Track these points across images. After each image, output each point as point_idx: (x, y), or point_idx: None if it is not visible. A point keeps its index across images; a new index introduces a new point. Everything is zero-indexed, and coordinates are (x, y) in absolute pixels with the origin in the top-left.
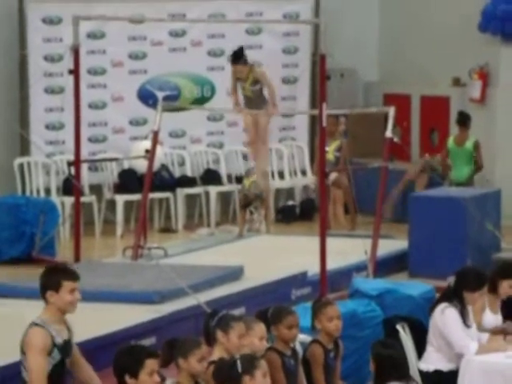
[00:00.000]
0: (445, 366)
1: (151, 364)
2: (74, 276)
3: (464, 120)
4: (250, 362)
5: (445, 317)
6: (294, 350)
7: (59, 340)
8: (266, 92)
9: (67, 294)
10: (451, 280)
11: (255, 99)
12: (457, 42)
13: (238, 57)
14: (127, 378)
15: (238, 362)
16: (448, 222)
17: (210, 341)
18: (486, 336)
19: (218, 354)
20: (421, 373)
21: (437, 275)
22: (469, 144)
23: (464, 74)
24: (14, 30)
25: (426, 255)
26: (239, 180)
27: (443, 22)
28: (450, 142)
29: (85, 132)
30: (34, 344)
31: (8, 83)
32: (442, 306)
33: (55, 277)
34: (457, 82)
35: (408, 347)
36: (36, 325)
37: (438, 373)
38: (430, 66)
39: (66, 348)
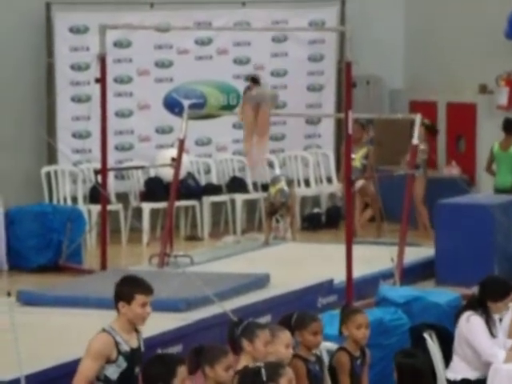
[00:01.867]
0: (472, 374)
1: (182, 372)
2: (147, 290)
3: (510, 126)
4: (275, 370)
5: (470, 325)
6: (318, 357)
7: (126, 348)
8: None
9: (138, 307)
10: (475, 289)
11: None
12: (483, 48)
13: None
14: None
15: (263, 370)
16: (475, 230)
17: (236, 350)
18: (510, 342)
19: (244, 362)
20: (448, 382)
21: (464, 283)
22: None
23: (491, 81)
24: (42, 39)
25: (452, 263)
26: (265, 188)
27: (470, 28)
28: (496, 147)
29: (111, 140)
30: (91, 348)
31: (35, 92)
32: (468, 314)
33: (129, 288)
34: (484, 89)
35: (435, 355)
36: (104, 331)
37: (465, 381)
38: (457, 73)
39: (133, 356)
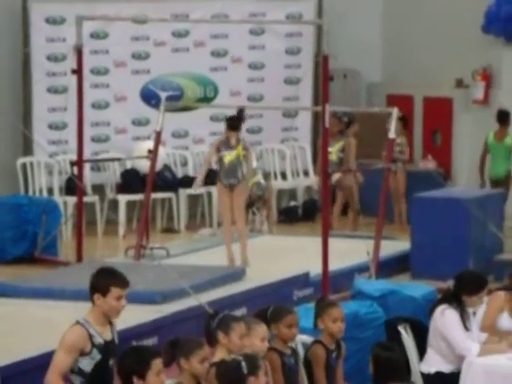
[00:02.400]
0: (446, 367)
1: (158, 364)
2: (123, 283)
3: (504, 117)
4: (254, 363)
5: (445, 318)
6: (293, 350)
7: (99, 340)
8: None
9: (113, 300)
10: (451, 283)
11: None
12: (460, 43)
13: (236, 125)
14: (135, 380)
15: (243, 364)
16: (450, 224)
17: (212, 342)
18: (484, 336)
19: (219, 355)
20: (422, 375)
21: (439, 277)
22: (508, 140)
23: (467, 76)
24: (18, 30)
25: (428, 256)
26: None
27: (446, 23)
28: (490, 137)
29: (87, 132)
30: (64, 341)
31: (11, 82)
32: (442, 307)
33: (105, 281)
34: (460, 84)
35: (410, 349)
36: (77, 323)
37: (439, 375)
38: (433, 68)
39: (107, 348)
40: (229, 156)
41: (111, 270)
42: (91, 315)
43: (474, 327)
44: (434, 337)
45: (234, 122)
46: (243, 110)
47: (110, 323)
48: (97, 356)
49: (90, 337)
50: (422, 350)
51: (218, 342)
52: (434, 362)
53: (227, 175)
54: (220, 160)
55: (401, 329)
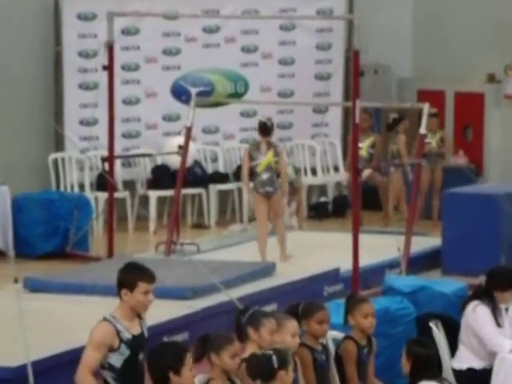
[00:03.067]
0: (478, 364)
1: (190, 359)
2: (150, 278)
3: None
4: (284, 357)
5: (476, 314)
6: (324, 346)
7: (127, 335)
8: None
9: (141, 295)
10: (482, 279)
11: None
12: (492, 37)
13: (267, 130)
14: (171, 375)
15: (274, 358)
16: (482, 220)
17: (242, 338)
18: None
19: (250, 350)
20: (454, 371)
21: (470, 273)
22: None
23: (499, 71)
24: (49, 27)
25: (459, 252)
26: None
27: (478, 17)
28: None
29: (118, 128)
30: (92, 337)
31: (43, 79)
32: (474, 303)
33: (132, 276)
34: (491, 79)
35: (441, 345)
36: (104, 320)
37: (471, 371)
38: (465, 62)
39: (135, 343)
40: (261, 165)
41: (138, 265)
42: (119, 311)
43: (507, 323)
44: (465, 333)
45: (265, 128)
46: (270, 120)
47: (140, 317)
48: (125, 351)
49: (118, 332)
50: (453, 347)
51: (249, 337)
52: (466, 359)
53: (263, 184)
54: (253, 170)
55: (432, 325)
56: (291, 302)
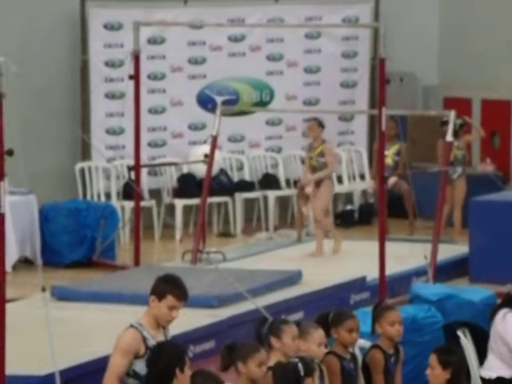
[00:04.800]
0: (507, 373)
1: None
2: (181, 295)
3: None
4: (310, 365)
5: (506, 323)
6: (353, 355)
7: (153, 343)
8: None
9: (166, 308)
10: (510, 287)
11: (318, 171)
12: None
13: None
14: (178, 372)
15: (300, 365)
16: (509, 227)
17: (264, 348)
18: None
19: (274, 359)
20: (483, 380)
21: (498, 281)
22: None
23: None
24: (76, 36)
25: (487, 260)
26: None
27: (505, 24)
28: None
29: (144, 137)
30: (119, 344)
31: (69, 88)
32: (504, 311)
33: (165, 286)
34: None
35: (469, 353)
36: (131, 326)
37: (500, 380)
38: (491, 70)
39: None
40: (310, 160)
41: (175, 279)
42: (145, 318)
43: None
44: (494, 341)
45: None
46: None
47: (163, 327)
48: None
49: (144, 339)
50: (480, 355)
51: (272, 347)
52: (495, 367)
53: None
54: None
55: (460, 333)
56: (318, 310)
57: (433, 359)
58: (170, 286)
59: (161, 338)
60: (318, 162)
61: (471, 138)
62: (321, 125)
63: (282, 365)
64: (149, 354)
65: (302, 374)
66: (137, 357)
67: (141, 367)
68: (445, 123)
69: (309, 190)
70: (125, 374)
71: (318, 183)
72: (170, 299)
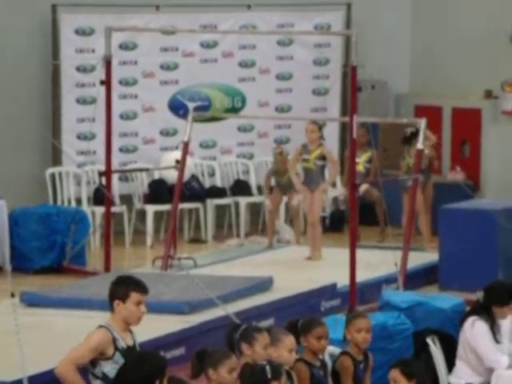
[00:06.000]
0: (475, 380)
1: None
2: (142, 289)
3: None
4: (278, 369)
5: (475, 330)
6: (323, 362)
7: (122, 344)
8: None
9: (133, 306)
10: (480, 294)
11: (316, 175)
12: (489, 54)
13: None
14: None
15: (267, 368)
16: (479, 235)
17: (235, 354)
18: None
19: None
20: None
21: (468, 288)
22: None
23: (496, 87)
24: (47, 41)
25: (456, 268)
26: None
27: (475, 34)
28: None
29: (116, 142)
30: (89, 340)
31: (40, 93)
32: (472, 319)
33: (124, 287)
34: (489, 95)
35: (438, 360)
36: (101, 326)
37: None
38: (462, 78)
39: (129, 353)
40: (305, 162)
41: (130, 277)
42: (112, 321)
43: (505, 339)
44: (463, 349)
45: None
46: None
47: (130, 331)
48: (120, 360)
49: (114, 340)
50: (449, 362)
51: (242, 353)
52: (464, 374)
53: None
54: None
55: (429, 340)
56: (289, 317)
57: (395, 373)
58: (128, 285)
59: (130, 340)
60: (315, 164)
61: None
62: (320, 128)
63: (249, 366)
64: (127, 359)
65: (269, 376)
66: (104, 358)
67: (110, 369)
68: (413, 134)
69: (295, 202)
70: (82, 366)
71: (313, 189)
72: (134, 296)
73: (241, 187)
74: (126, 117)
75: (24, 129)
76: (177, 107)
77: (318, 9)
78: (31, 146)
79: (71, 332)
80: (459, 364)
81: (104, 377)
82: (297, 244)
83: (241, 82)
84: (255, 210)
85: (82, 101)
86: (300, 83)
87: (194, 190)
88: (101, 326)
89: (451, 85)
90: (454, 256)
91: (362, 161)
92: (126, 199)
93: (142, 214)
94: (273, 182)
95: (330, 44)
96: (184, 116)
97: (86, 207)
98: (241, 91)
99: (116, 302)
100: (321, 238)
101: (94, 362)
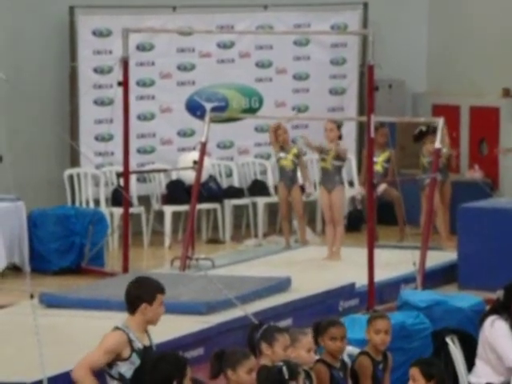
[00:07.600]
0: (496, 379)
1: (189, 371)
2: (163, 288)
3: None
4: (295, 369)
5: (495, 330)
6: (343, 362)
7: (139, 345)
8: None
9: (159, 307)
10: (500, 293)
11: (332, 174)
12: (507, 52)
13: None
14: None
15: (284, 368)
16: (498, 234)
17: (255, 353)
18: None
19: None
20: None
21: (487, 287)
22: None
23: None
24: (65, 43)
25: (475, 267)
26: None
27: (493, 32)
28: None
29: (133, 143)
30: (105, 342)
31: (58, 95)
32: (492, 318)
33: (150, 289)
34: (507, 93)
35: (458, 360)
36: (117, 328)
37: None
38: (480, 77)
39: (146, 354)
40: (323, 162)
41: (149, 279)
42: (133, 322)
43: None
44: (483, 348)
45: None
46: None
47: (146, 331)
48: (136, 361)
49: (130, 341)
50: (469, 362)
51: (262, 353)
52: (484, 374)
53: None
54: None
55: (448, 340)
56: (307, 317)
57: (415, 372)
58: (153, 287)
59: (146, 341)
60: (332, 165)
61: (432, 148)
62: (339, 127)
63: (266, 367)
64: (144, 359)
65: (286, 376)
66: (121, 359)
67: (126, 369)
68: (416, 138)
69: (297, 195)
70: (99, 369)
71: (330, 189)
72: (159, 297)
73: (258, 187)
74: (143, 118)
75: (42, 130)
76: (194, 108)
77: (335, 8)
78: (49, 147)
79: (90, 333)
80: (479, 363)
81: (121, 377)
82: (315, 244)
83: (258, 82)
84: (273, 210)
85: (99, 102)
86: (317, 83)
87: (212, 191)
88: (117, 328)
89: (469, 83)
90: (473, 255)
91: (380, 160)
92: (144, 200)
93: (159, 215)
94: (276, 180)
95: (347, 44)
96: (201, 117)
97: (104, 208)
98: (258, 91)
99: (144, 306)
100: (343, 238)
101: (110, 363)
